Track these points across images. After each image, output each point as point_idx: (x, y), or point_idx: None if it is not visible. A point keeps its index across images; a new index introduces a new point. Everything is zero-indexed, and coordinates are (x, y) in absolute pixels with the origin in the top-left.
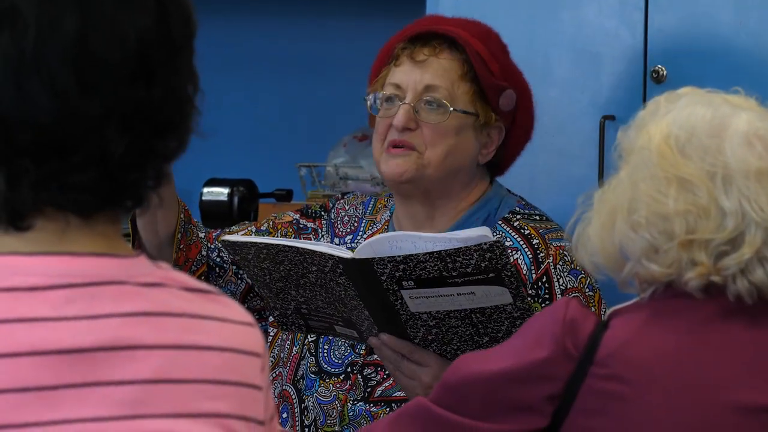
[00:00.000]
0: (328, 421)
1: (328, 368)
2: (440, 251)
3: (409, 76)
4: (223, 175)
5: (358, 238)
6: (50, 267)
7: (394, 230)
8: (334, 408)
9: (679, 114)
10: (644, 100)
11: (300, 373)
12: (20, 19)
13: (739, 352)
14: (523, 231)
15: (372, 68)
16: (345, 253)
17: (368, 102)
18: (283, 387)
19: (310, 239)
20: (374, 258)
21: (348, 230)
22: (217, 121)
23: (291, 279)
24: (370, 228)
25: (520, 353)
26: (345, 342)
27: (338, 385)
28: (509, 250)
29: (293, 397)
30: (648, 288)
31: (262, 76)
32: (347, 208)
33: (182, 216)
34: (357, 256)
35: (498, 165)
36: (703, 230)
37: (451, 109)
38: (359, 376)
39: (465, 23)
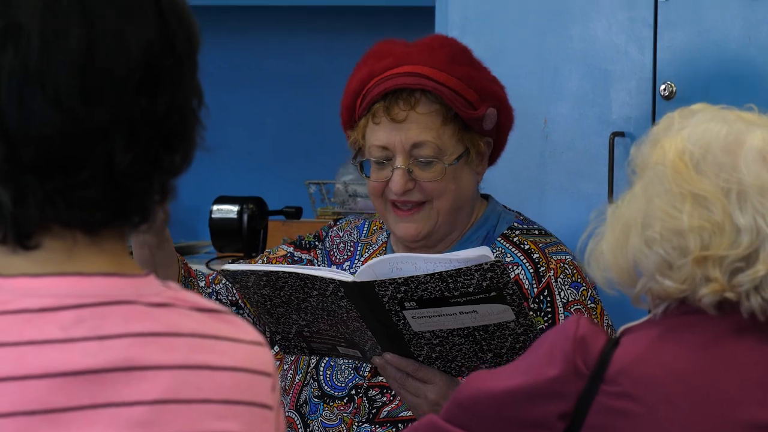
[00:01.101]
0: None
1: (331, 392)
2: (441, 272)
3: (392, 136)
4: (232, 192)
5: (356, 262)
6: (59, 288)
7: (393, 251)
8: (339, 431)
9: (693, 130)
10: (653, 116)
11: (303, 398)
12: (24, 35)
13: (752, 369)
14: (522, 246)
15: (343, 106)
16: (346, 277)
17: (353, 159)
18: (287, 414)
19: None
20: (375, 281)
21: (345, 257)
22: (227, 138)
23: (292, 304)
24: (367, 251)
25: (530, 371)
26: (348, 364)
27: (342, 408)
28: (510, 266)
29: (297, 422)
30: (660, 304)
31: (272, 93)
32: (341, 234)
33: (182, 272)
34: (358, 280)
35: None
36: (718, 247)
37: (446, 164)
38: (364, 399)
39: (428, 54)
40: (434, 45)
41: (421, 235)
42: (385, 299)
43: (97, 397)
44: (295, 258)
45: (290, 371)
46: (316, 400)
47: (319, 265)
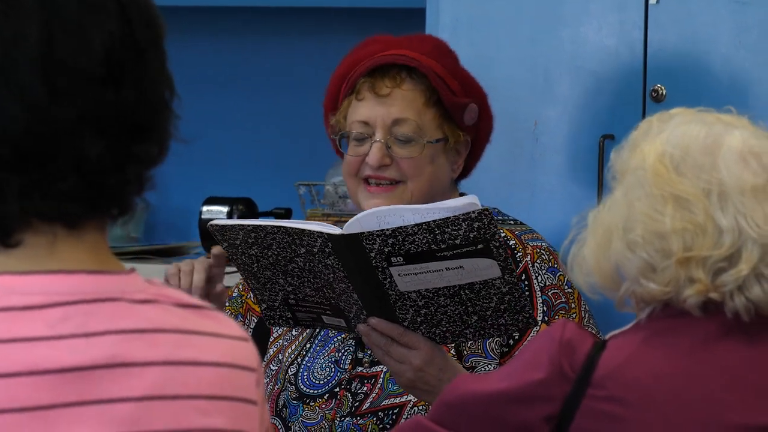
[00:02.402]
0: None
1: (310, 391)
2: (429, 222)
3: (374, 111)
4: (222, 193)
5: None
6: (45, 286)
7: None
8: (321, 428)
9: (672, 133)
10: (643, 118)
11: (281, 403)
12: None
13: (738, 371)
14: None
15: (328, 90)
16: (334, 230)
17: (334, 137)
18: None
19: None
20: (363, 233)
21: None
22: (217, 139)
23: (279, 265)
24: None
25: (517, 374)
26: (328, 361)
27: (324, 406)
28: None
29: (279, 427)
30: (645, 308)
31: (262, 94)
32: None
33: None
34: (345, 232)
35: (463, 172)
36: (700, 247)
37: (424, 141)
38: (346, 393)
39: (417, 43)
40: (422, 37)
41: None
42: (373, 254)
43: (84, 395)
44: None
45: (271, 382)
46: (294, 402)
47: None
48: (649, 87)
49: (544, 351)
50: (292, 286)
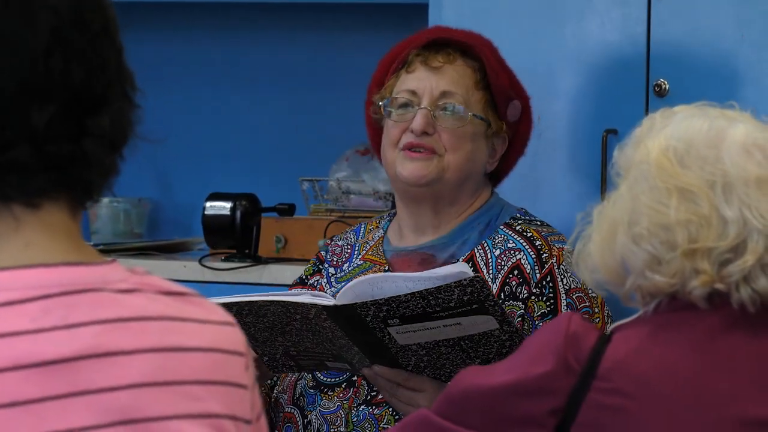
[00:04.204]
0: (332, 430)
1: (328, 380)
2: (422, 290)
3: (424, 82)
4: (225, 189)
5: (354, 261)
6: (24, 280)
7: (390, 244)
8: (338, 416)
9: (676, 127)
10: (646, 113)
11: (299, 391)
12: None
13: (743, 365)
14: (525, 234)
15: (375, 75)
16: (327, 301)
17: (378, 107)
18: (286, 410)
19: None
20: (356, 303)
21: (343, 259)
22: (220, 135)
23: (276, 328)
24: (363, 249)
25: (522, 367)
26: None
27: (342, 395)
28: (512, 251)
29: (297, 416)
30: (651, 301)
31: (265, 90)
32: (339, 243)
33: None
34: (339, 303)
35: (496, 175)
36: (706, 239)
37: (470, 114)
38: (363, 381)
39: (471, 35)
40: (475, 33)
41: (427, 179)
42: (368, 318)
43: (73, 386)
44: (308, 283)
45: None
46: (312, 390)
47: (327, 280)
48: (652, 82)
49: (549, 344)
50: (291, 342)
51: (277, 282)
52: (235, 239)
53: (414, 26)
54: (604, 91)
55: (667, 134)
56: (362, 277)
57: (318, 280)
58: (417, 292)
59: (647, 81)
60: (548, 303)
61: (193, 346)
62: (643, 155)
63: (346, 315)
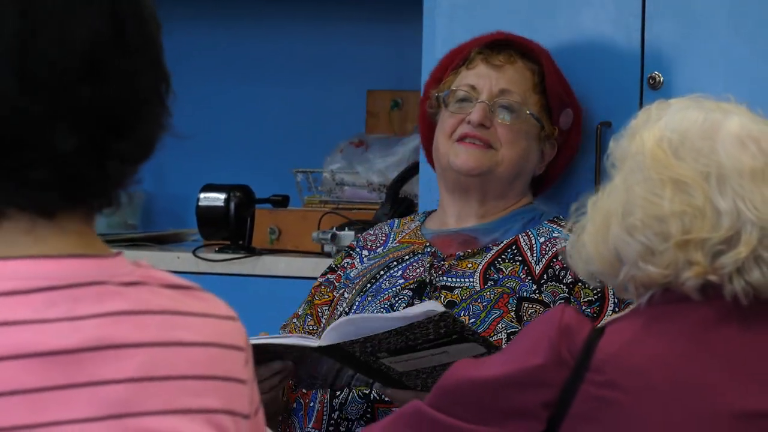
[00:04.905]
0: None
1: None
2: (397, 328)
3: (484, 78)
4: (219, 181)
5: (389, 243)
6: (29, 271)
7: (429, 230)
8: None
9: (671, 119)
10: (641, 106)
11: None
12: None
13: (737, 357)
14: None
15: (433, 72)
16: (312, 342)
17: (435, 100)
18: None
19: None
20: (339, 343)
21: (378, 244)
22: (214, 127)
23: (276, 358)
24: (400, 235)
25: (515, 359)
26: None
27: None
28: (558, 240)
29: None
30: (645, 293)
31: (258, 81)
32: (372, 233)
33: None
34: (323, 344)
35: (541, 182)
36: (699, 230)
37: (527, 112)
38: None
39: (531, 40)
40: (534, 41)
41: (480, 170)
42: (357, 354)
43: (74, 377)
44: (331, 280)
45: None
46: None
47: (361, 260)
48: (646, 74)
49: (543, 336)
50: (306, 372)
51: (271, 273)
52: (229, 230)
53: (408, 17)
54: (598, 84)
55: (662, 126)
56: (342, 318)
57: (348, 262)
58: (392, 330)
59: (642, 74)
60: (595, 291)
61: (193, 341)
62: (638, 146)
63: (336, 353)
